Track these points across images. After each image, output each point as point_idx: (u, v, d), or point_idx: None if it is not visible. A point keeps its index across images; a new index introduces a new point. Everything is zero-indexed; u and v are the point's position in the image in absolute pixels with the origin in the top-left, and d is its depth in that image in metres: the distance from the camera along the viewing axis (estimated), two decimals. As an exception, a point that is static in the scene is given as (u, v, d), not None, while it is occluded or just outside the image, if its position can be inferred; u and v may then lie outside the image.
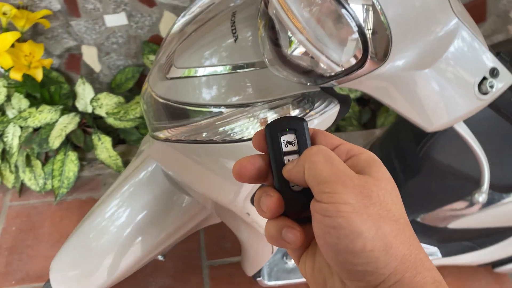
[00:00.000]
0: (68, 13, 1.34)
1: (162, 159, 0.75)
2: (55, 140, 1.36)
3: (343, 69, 0.54)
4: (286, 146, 0.35)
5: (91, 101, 1.42)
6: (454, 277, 1.33)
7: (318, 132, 0.36)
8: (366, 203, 0.29)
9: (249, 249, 0.92)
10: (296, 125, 0.35)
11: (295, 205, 0.34)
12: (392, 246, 0.29)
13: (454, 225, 0.99)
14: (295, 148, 0.35)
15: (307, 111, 0.63)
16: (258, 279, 1.05)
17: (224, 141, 0.66)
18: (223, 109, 0.65)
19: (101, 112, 1.42)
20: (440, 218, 1.00)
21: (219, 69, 0.66)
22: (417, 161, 0.94)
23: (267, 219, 0.35)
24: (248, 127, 0.64)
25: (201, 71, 0.67)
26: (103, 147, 1.43)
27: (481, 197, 0.62)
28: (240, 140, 0.64)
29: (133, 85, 1.48)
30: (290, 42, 0.56)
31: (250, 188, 0.68)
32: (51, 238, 1.34)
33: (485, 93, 0.54)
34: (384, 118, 1.58)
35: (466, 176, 0.87)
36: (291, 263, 1.08)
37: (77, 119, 1.40)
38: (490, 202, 0.93)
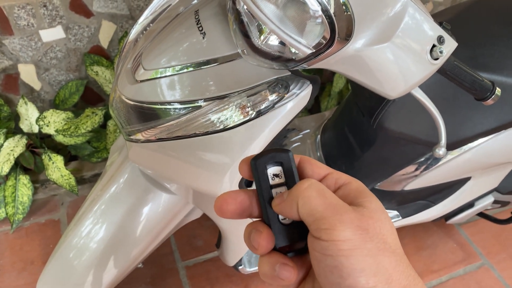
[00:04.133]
0: (0, 32, 1.28)
1: (143, 160, 0.76)
2: (3, 165, 1.30)
3: (313, 51, 0.59)
4: (273, 179, 0.34)
5: (37, 120, 1.36)
6: (410, 237, 1.45)
7: (305, 161, 0.35)
8: (364, 237, 0.29)
9: (230, 237, 0.95)
10: (281, 158, 0.34)
11: (286, 239, 0.33)
12: (393, 279, 0.29)
13: (409, 187, 1.09)
14: (282, 180, 0.34)
15: (283, 94, 0.68)
16: (240, 267, 1.08)
17: (207, 133, 0.69)
18: (201, 103, 0.68)
19: (50, 130, 1.37)
20: (397, 182, 1.10)
21: (192, 66, 0.68)
22: (371, 133, 1.02)
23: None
24: (229, 116, 0.68)
25: (173, 70, 0.69)
26: (55, 166, 1.38)
27: (441, 151, 0.71)
28: (223, 129, 0.68)
29: (78, 99, 1.45)
30: (260, 32, 0.61)
31: (238, 176, 0.71)
32: (15, 268, 1.28)
33: (436, 59, 0.63)
34: (327, 102, 1.67)
35: (416, 140, 0.97)
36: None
37: (23, 140, 1.34)
38: (437, 160, 1.04)
